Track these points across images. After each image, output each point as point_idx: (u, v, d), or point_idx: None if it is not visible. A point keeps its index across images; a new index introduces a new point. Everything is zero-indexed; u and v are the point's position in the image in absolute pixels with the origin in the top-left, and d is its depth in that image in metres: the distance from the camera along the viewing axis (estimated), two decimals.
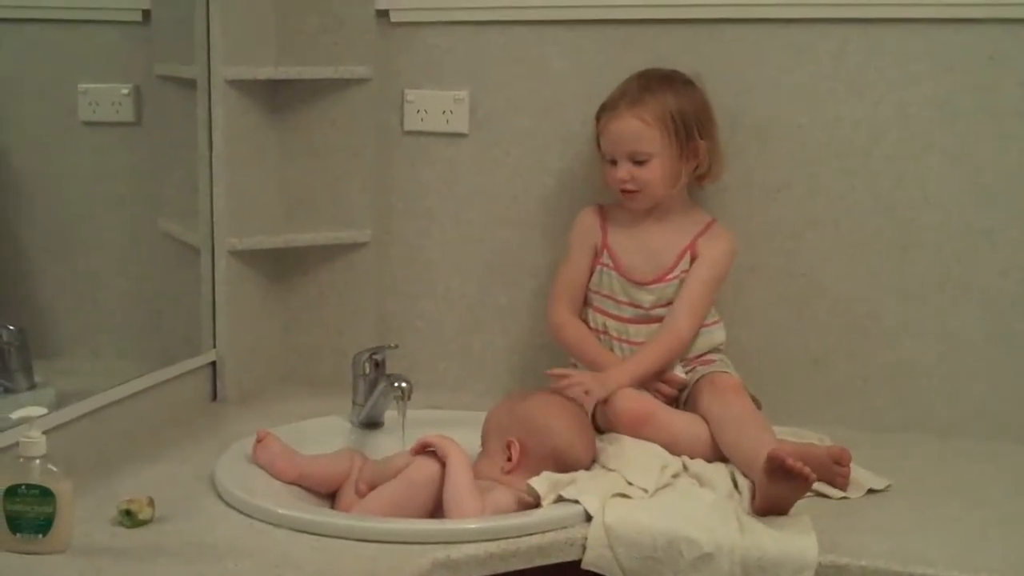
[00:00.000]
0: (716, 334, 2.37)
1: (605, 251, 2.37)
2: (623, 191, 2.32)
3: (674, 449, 2.13)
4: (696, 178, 2.35)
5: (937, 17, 2.32)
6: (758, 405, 2.27)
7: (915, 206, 2.39)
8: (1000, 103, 2.32)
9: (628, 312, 2.35)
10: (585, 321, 2.40)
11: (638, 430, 2.16)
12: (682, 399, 2.30)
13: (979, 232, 2.37)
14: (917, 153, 2.37)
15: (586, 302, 2.40)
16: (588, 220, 2.41)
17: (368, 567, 1.74)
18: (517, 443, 2.06)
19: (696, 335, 2.32)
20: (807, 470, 1.88)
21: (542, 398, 2.14)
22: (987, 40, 2.31)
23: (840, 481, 2.06)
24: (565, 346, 2.40)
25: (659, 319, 2.32)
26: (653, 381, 2.28)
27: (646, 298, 2.34)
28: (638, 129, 2.26)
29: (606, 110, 2.32)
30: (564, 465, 2.05)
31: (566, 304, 2.40)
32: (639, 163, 2.28)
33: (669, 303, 2.32)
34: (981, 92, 2.33)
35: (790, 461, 1.88)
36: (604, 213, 2.40)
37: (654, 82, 2.30)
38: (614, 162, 2.31)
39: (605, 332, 2.36)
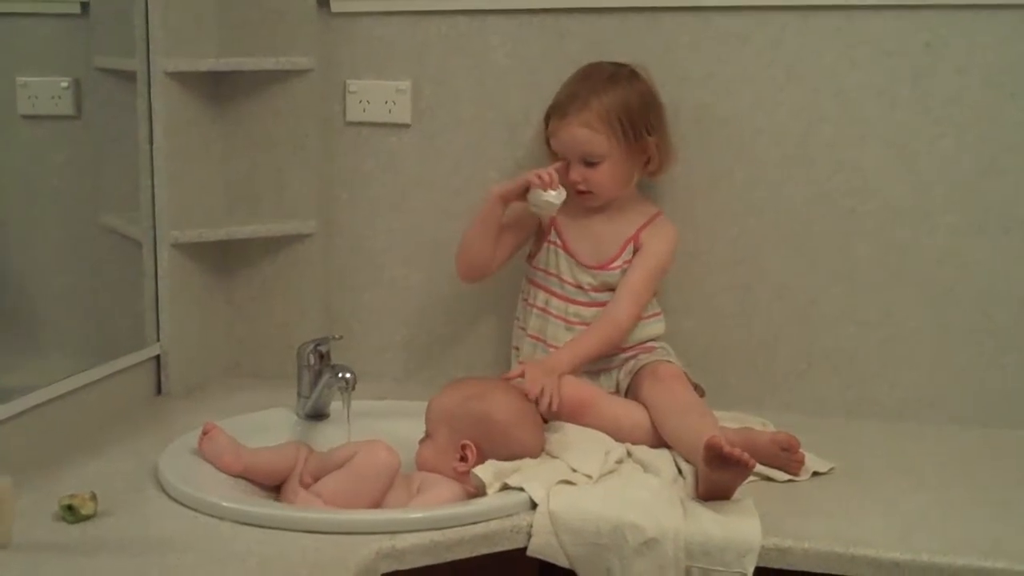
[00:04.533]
0: (655, 326, 2.38)
1: (553, 229, 2.38)
2: (577, 192, 2.33)
3: (616, 436, 2.15)
4: (648, 174, 2.36)
5: (874, 4, 2.34)
6: (701, 392, 2.28)
7: (854, 193, 2.41)
8: (937, 89, 2.35)
9: (571, 292, 2.35)
10: (526, 299, 2.41)
11: (579, 417, 2.17)
12: (623, 387, 2.32)
13: (918, 218, 2.39)
14: (856, 140, 2.39)
15: (529, 280, 2.41)
16: None
17: (313, 558, 1.73)
18: (473, 447, 2.04)
19: (635, 324, 2.33)
20: (745, 456, 1.90)
21: (499, 399, 2.10)
22: (924, 26, 2.33)
23: (795, 467, 2.09)
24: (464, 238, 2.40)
25: (601, 303, 2.33)
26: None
27: (589, 281, 2.35)
28: (586, 135, 2.27)
29: (554, 115, 2.33)
30: (517, 460, 2.05)
31: None
32: (591, 164, 2.29)
33: (611, 289, 2.33)
34: (918, 78, 2.35)
35: (727, 448, 1.89)
36: None
37: (600, 84, 2.30)
38: (568, 161, 2.32)
39: (545, 310, 2.37)
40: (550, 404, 2.13)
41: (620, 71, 2.33)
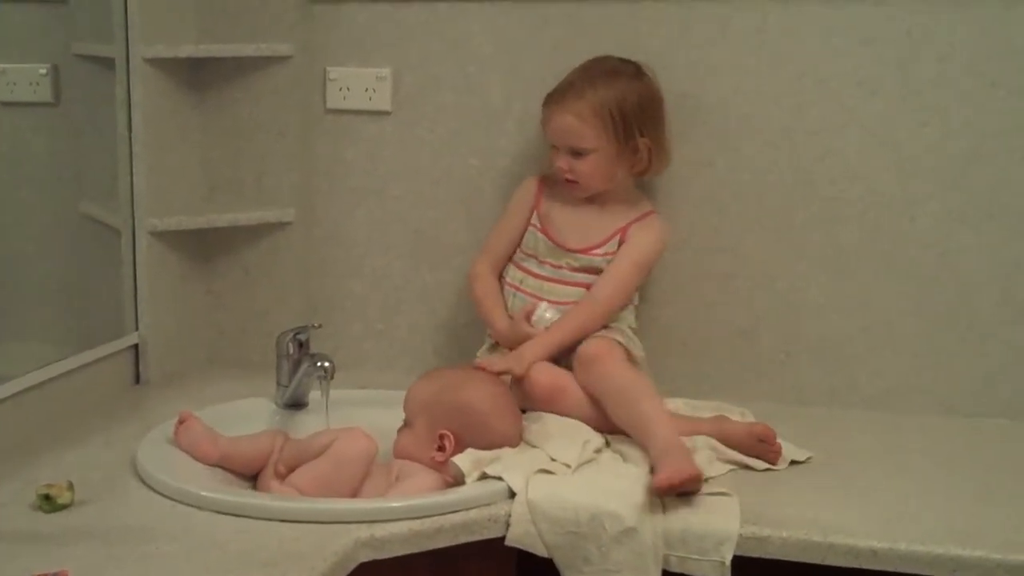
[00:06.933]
0: (626, 315, 2.36)
1: (535, 213, 2.38)
2: (564, 180, 2.33)
3: (589, 420, 2.15)
4: (636, 174, 2.34)
5: None
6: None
7: (837, 180, 2.40)
8: (919, 77, 2.34)
9: (548, 271, 2.35)
10: (504, 277, 2.41)
11: (551, 404, 2.17)
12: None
13: (900, 206, 2.39)
14: (838, 127, 2.39)
15: (511, 261, 2.41)
16: (528, 186, 2.42)
17: (292, 547, 1.73)
18: (452, 436, 2.04)
19: (615, 311, 2.31)
20: (694, 474, 1.91)
21: (477, 389, 2.11)
22: (905, 14, 2.33)
23: (772, 457, 2.10)
24: (472, 298, 2.43)
25: (577, 284, 2.32)
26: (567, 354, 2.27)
27: (568, 261, 2.34)
28: (575, 125, 2.26)
29: (550, 101, 2.31)
30: (496, 449, 2.05)
31: (488, 258, 2.43)
32: (578, 155, 2.28)
33: (588, 271, 2.32)
34: (900, 66, 2.35)
35: (677, 481, 1.89)
36: (545, 183, 2.40)
37: (599, 77, 2.28)
38: (558, 148, 2.31)
39: (520, 288, 2.37)
40: (523, 384, 2.16)
41: (624, 67, 2.31)
